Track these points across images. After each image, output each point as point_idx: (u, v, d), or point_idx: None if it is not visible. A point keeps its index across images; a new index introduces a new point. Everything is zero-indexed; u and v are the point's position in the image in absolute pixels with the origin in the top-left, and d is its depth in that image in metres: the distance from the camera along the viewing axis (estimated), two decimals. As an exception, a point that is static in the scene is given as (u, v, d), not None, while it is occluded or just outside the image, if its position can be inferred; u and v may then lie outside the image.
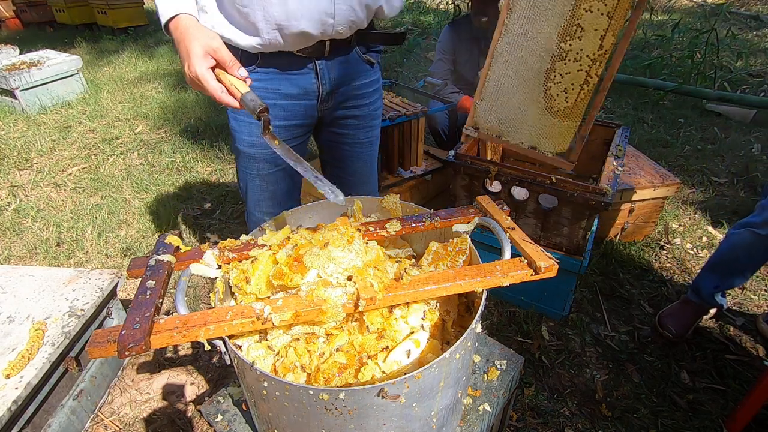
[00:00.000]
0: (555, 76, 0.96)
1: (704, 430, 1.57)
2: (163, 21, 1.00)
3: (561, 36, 0.93)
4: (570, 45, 0.92)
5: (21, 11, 7.95)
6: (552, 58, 0.95)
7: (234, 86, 0.93)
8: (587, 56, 0.90)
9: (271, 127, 0.90)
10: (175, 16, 0.98)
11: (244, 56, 1.22)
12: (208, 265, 0.96)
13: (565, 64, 0.94)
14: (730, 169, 3.14)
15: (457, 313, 0.98)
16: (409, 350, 0.85)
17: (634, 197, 2.27)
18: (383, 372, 0.82)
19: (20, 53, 5.05)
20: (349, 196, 1.16)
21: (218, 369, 1.82)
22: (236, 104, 0.94)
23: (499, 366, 1.15)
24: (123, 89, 4.87)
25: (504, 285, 0.87)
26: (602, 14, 0.86)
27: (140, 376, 1.80)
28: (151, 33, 7.40)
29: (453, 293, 0.86)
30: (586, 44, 0.89)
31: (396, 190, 2.37)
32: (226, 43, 1.08)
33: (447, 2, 8.04)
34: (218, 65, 0.95)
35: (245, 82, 0.94)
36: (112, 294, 1.74)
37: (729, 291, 2.08)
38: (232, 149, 1.42)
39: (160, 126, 4.02)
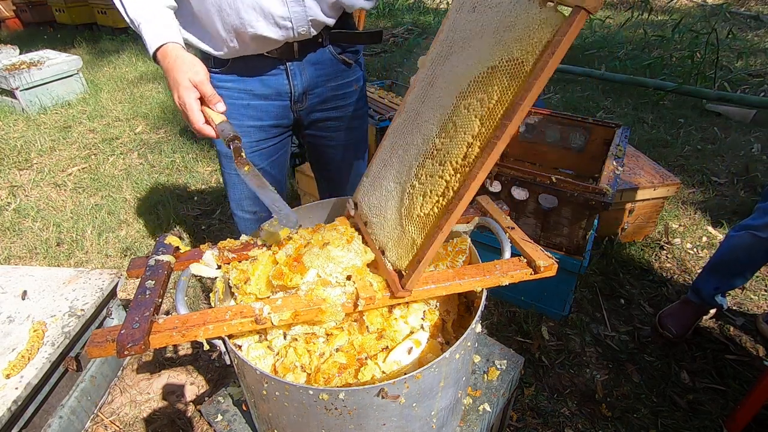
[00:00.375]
0: (422, 175, 0.81)
1: (704, 430, 1.57)
2: (150, 51, 1.03)
3: (439, 130, 0.80)
4: (442, 143, 0.78)
5: (21, 11, 7.95)
6: (425, 152, 0.81)
7: (211, 117, 0.99)
8: (450, 164, 0.75)
9: (243, 153, 0.94)
10: (162, 45, 1.01)
11: (217, 60, 1.23)
12: (207, 265, 0.96)
13: (433, 164, 0.79)
14: (730, 169, 3.14)
15: (457, 313, 0.98)
16: (410, 350, 0.85)
17: (634, 197, 2.27)
18: (383, 372, 0.82)
19: (20, 53, 5.05)
20: (348, 196, 1.16)
21: (218, 369, 1.82)
22: (213, 134, 0.99)
23: (499, 366, 1.15)
24: (123, 89, 4.87)
25: (503, 284, 0.87)
26: (475, 117, 0.73)
27: (140, 376, 1.80)
28: (151, 33, 7.40)
29: (453, 293, 0.86)
30: (453, 148, 0.76)
31: (396, 190, 2.36)
32: (204, 53, 1.15)
33: (447, 2, 8.04)
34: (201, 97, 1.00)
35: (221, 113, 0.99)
36: (112, 294, 1.74)
37: (729, 291, 2.08)
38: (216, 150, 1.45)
39: (160, 126, 4.02)
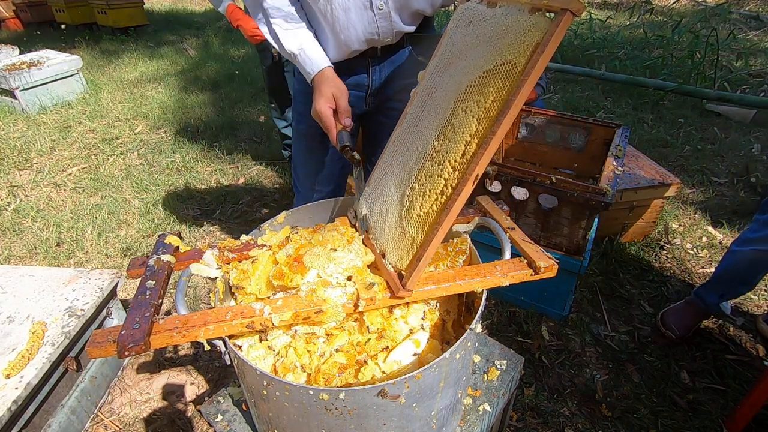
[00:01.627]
0: (421, 176, 0.85)
1: (704, 430, 1.57)
2: (311, 76, 1.24)
3: (438, 134, 0.84)
4: (441, 145, 0.82)
5: (21, 11, 7.95)
6: (425, 156, 0.85)
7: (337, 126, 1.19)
8: (449, 162, 0.79)
9: (356, 156, 1.08)
10: (321, 70, 1.23)
11: None
12: (208, 265, 0.96)
13: (432, 165, 0.83)
14: (730, 169, 3.14)
15: (457, 313, 0.98)
16: (409, 350, 0.85)
17: (634, 197, 2.27)
18: (383, 372, 0.82)
19: (20, 53, 5.05)
20: (350, 196, 1.16)
21: (218, 369, 1.82)
22: (334, 139, 1.17)
23: (499, 366, 1.15)
24: (123, 89, 4.87)
25: (504, 285, 0.87)
26: (473, 117, 0.77)
27: (140, 376, 1.80)
28: (151, 33, 7.40)
29: (453, 293, 0.86)
30: (451, 148, 0.79)
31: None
32: None
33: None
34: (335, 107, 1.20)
35: (345, 127, 1.18)
36: (112, 294, 1.74)
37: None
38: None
39: (160, 126, 4.02)
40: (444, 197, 0.80)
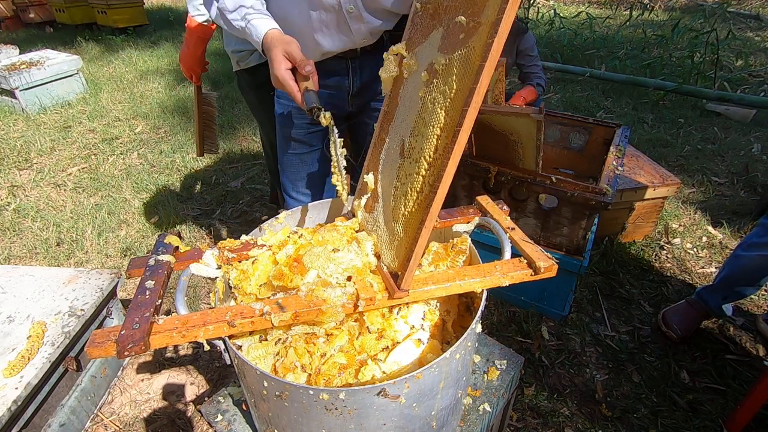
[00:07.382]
0: (402, 175, 0.83)
1: (704, 430, 1.57)
2: (260, 41, 1.11)
3: (412, 130, 0.82)
4: (415, 141, 0.80)
5: (21, 11, 7.94)
6: (402, 153, 0.83)
7: (301, 85, 1.07)
8: (424, 158, 0.76)
9: (325, 117, 1.00)
10: (267, 32, 1.11)
11: None
12: (207, 265, 0.96)
13: (409, 162, 0.81)
14: (730, 169, 3.14)
15: (457, 313, 0.98)
16: (409, 350, 0.85)
17: (634, 197, 2.27)
18: (383, 372, 0.82)
19: (20, 53, 5.04)
20: (351, 196, 1.16)
21: (218, 369, 1.82)
22: (301, 102, 1.06)
23: (499, 366, 1.15)
24: (123, 89, 4.87)
25: (504, 285, 0.87)
26: (440, 109, 0.74)
27: (140, 376, 1.80)
28: (151, 33, 7.40)
29: (453, 293, 0.86)
30: (425, 143, 0.77)
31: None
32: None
33: None
34: (293, 65, 1.07)
35: (310, 77, 1.05)
36: (112, 294, 1.74)
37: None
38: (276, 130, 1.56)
39: (160, 126, 4.02)
40: (423, 195, 0.78)
